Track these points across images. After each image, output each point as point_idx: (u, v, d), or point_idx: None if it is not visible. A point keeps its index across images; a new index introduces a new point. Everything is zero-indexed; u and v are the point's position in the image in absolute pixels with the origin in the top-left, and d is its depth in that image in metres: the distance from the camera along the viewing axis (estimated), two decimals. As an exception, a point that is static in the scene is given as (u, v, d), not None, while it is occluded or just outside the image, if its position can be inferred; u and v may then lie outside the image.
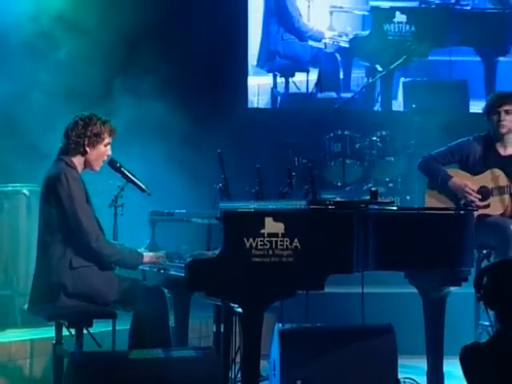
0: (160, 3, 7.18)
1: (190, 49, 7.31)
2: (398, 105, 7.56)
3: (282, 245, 4.01)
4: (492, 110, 5.48)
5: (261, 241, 3.99)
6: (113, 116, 4.64)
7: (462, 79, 7.59)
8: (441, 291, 4.68)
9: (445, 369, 4.75)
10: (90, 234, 4.32)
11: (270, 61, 7.65)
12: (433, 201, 5.53)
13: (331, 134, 7.41)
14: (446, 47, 7.49)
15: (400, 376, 4.65)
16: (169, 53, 7.20)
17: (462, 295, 4.94)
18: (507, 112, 5.46)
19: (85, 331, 4.37)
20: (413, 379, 5.02)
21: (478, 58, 7.58)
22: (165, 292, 4.49)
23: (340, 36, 7.51)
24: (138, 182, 4.77)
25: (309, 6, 7.49)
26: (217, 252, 4.02)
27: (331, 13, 7.54)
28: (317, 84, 7.30)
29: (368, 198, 4.45)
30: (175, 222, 4.77)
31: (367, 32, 7.58)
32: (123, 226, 5.10)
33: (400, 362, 4.63)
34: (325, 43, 7.58)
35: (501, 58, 7.56)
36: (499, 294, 3.09)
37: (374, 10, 7.46)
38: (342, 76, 7.60)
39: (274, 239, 4.00)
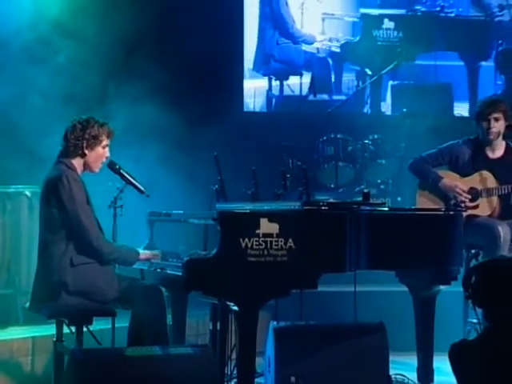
0: (157, 9, 7.17)
1: (186, 54, 7.30)
2: (386, 106, 7.70)
3: (277, 245, 4.01)
4: (482, 117, 5.49)
5: (256, 241, 3.99)
6: (111, 119, 4.63)
7: (447, 82, 7.75)
8: (431, 290, 4.70)
9: (435, 365, 4.76)
10: (91, 233, 4.34)
11: (265, 64, 7.76)
12: (424, 201, 5.54)
13: (324, 138, 7.44)
14: (431, 52, 7.66)
15: (391, 372, 4.65)
16: (166, 58, 7.20)
17: (451, 293, 4.95)
18: (496, 119, 5.48)
19: (85, 329, 4.37)
20: (404, 375, 5.02)
21: (461, 63, 7.76)
22: (163, 291, 4.48)
23: (332, 41, 7.66)
24: (137, 184, 4.78)
25: (302, 13, 7.66)
26: (213, 252, 4.03)
27: (323, 19, 7.70)
28: (310, 88, 7.37)
29: (360, 199, 4.46)
30: (173, 222, 4.77)
31: (357, 38, 7.74)
32: (122, 226, 5.10)
33: (391, 358, 4.63)
34: (317, 48, 7.73)
35: (483, 63, 7.73)
36: (487, 292, 3.10)
37: (364, 17, 7.65)
38: (333, 79, 7.76)
39: (268, 239, 4.01)
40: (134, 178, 4.77)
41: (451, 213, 4.64)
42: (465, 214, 5.10)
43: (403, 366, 5.11)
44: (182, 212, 4.67)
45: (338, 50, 7.68)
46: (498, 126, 5.47)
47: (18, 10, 6.47)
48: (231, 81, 7.79)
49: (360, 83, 7.64)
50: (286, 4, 7.72)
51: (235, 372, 4.48)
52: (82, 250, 4.36)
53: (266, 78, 7.80)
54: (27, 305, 4.55)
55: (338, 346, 4.57)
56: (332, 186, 7.40)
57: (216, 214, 4.11)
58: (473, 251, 5.52)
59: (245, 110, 7.94)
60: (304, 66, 7.71)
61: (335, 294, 5.88)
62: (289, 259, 4.02)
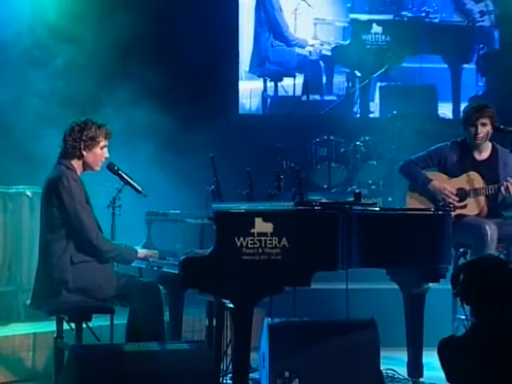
0: (153, 14, 7.16)
1: (182, 58, 7.30)
2: (375, 106, 7.86)
3: (271, 243, 4.01)
4: (469, 122, 5.49)
5: (251, 240, 3.99)
6: (107, 122, 4.62)
7: (432, 84, 7.94)
8: (420, 287, 4.70)
9: (424, 360, 4.76)
10: (91, 231, 4.34)
11: (260, 66, 7.89)
12: (413, 202, 5.54)
13: (317, 139, 7.47)
14: (417, 55, 7.83)
15: (382, 367, 4.65)
16: (162, 61, 7.20)
17: (440, 291, 4.95)
18: (483, 124, 5.48)
19: (84, 325, 4.37)
20: (394, 370, 5.02)
21: (445, 65, 7.93)
22: (160, 288, 4.48)
23: (323, 45, 7.84)
24: (135, 185, 4.77)
25: (295, 18, 7.82)
26: (209, 250, 4.02)
27: (315, 24, 7.88)
28: (303, 92, 7.44)
29: (352, 199, 4.46)
30: (170, 222, 4.76)
31: (347, 41, 7.90)
32: (121, 225, 5.10)
33: (382, 353, 4.62)
34: (309, 51, 7.88)
35: (465, 65, 7.93)
36: (474, 290, 3.10)
37: (354, 22, 7.84)
38: (324, 81, 7.91)
39: (263, 238, 4.00)
40: (132, 179, 4.77)
41: (440, 213, 4.64)
42: (453, 213, 5.10)
43: (394, 361, 5.11)
44: (178, 212, 4.67)
45: (329, 53, 7.86)
46: (485, 131, 5.48)
47: (16, 15, 6.46)
48: (226, 84, 7.82)
49: (350, 84, 7.82)
50: (280, 9, 7.87)
51: (231, 367, 4.47)
52: (82, 249, 4.36)
53: (262, 79, 7.95)
54: (28, 302, 4.55)
55: (330, 342, 4.57)
56: (324, 186, 7.41)
57: (212, 214, 4.11)
58: (461, 250, 5.52)
59: (241, 110, 8.01)
60: (297, 68, 7.88)
61: (328, 291, 5.87)
62: (283, 258, 4.02)
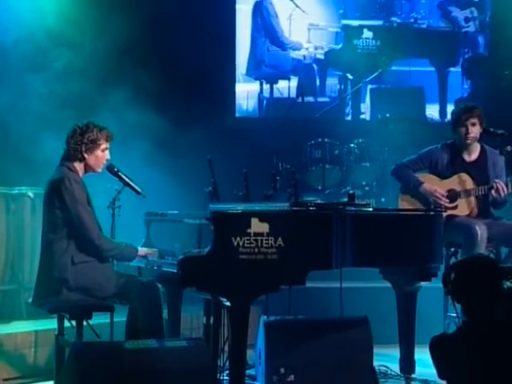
0: (151, 18, 7.16)
1: (180, 62, 7.31)
2: (365, 107, 8.01)
3: (267, 243, 4.01)
4: (459, 123, 5.50)
5: (247, 240, 3.98)
6: (107, 125, 4.61)
7: (420, 86, 8.09)
8: (412, 286, 4.70)
9: (416, 356, 4.76)
10: (92, 232, 4.34)
11: (257, 69, 8.02)
12: (406, 204, 5.54)
13: (312, 142, 7.48)
14: (405, 59, 8.01)
15: (375, 363, 4.65)
16: (160, 66, 7.21)
17: (431, 289, 4.95)
18: (473, 124, 5.49)
19: (85, 323, 4.37)
20: (387, 366, 5.03)
21: (432, 68, 8.10)
22: (159, 287, 4.48)
23: (316, 49, 8.02)
24: (134, 186, 4.77)
25: (290, 24, 8.00)
26: (207, 250, 4.02)
27: (309, 29, 8.05)
28: (298, 94, 7.52)
29: (346, 200, 4.46)
30: (168, 222, 4.75)
31: (340, 46, 8.06)
32: (120, 225, 5.09)
33: (375, 350, 4.63)
34: (304, 55, 8.03)
35: (451, 69, 8.10)
36: (465, 288, 3.10)
37: (346, 27, 8.01)
38: (318, 83, 8.07)
39: (259, 238, 4.00)
40: (131, 180, 4.77)
41: (431, 213, 4.64)
42: (444, 213, 5.11)
43: (386, 357, 5.11)
44: (177, 212, 4.66)
45: (322, 57, 8.03)
46: (475, 130, 5.49)
47: (16, 20, 6.46)
48: (223, 88, 7.86)
49: (342, 87, 8.01)
50: (276, 16, 8.01)
51: (228, 364, 4.47)
52: (83, 249, 4.36)
53: (258, 81, 8.09)
54: (30, 300, 4.54)
55: (325, 339, 4.57)
56: (319, 187, 7.42)
57: (209, 214, 4.10)
58: (452, 249, 5.52)
59: (238, 111, 8.09)
60: (292, 71, 8.04)
61: (322, 289, 5.87)
62: (278, 257, 4.01)
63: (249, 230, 3.98)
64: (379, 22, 7.99)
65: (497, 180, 5.43)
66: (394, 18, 8.06)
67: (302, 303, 5.30)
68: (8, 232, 5.74)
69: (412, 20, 8.05)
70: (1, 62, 6.44)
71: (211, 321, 4.75)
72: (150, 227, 4.86)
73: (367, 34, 7.92)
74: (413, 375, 4.79)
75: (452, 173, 5.55)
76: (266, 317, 4.77)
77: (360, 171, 7.45)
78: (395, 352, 4.86)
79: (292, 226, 4.09)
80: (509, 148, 5.38)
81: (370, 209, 4.46)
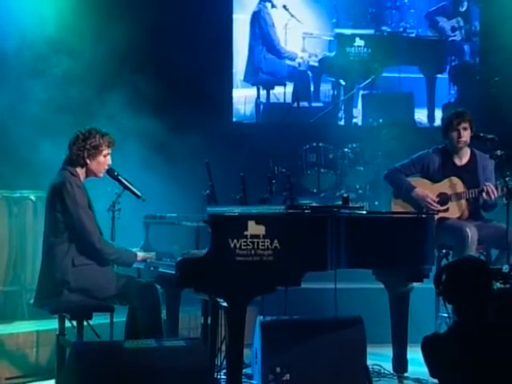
0: (150, 26, 7.15)
1: (178, 69, 7.30)
2: (357, 112, 8.16)
3: (263, 245, 4.01)
4: (451, 127, 5.51)
5: (244, 242, 3.98)
6: (106, 130, 4.61)
7: (409, 92, 8.23)
8: (405, 286, 4.70)
9: (408, 356, 4.77)
10: (93, 235, 4.33)
11: (254, 76, 8.15)
12: (398, 208, 5.55)
13: (307, 146, 7.50)
14: (395, 66, 8.19)
15: (368, 362, 4.65)
16: (159, 73, 7.20)
17: (423, 290, 4.95)
18: (465, 129, 5.50)
19: (85, 323, 4.36)
20: (380, 365, 5.02)
21: (421, 75, 8.27)
22: (157, 288, 4.47)
23: (311, 57, 8.17)
24: (134, 189, 4.76)
25: (286, 33, 8.15)
26: (204, 252, 4.01)
27: (304, 38, 8.20)
28: (293, 99, 7.61)
29: (340, 203, 4.46)
30: (167, 224, 4.75)
31: (333, 53, 8.20)
32: (120, 228, 5.09)
33: (368, 350, 4.63)
34: (299, 62, 8.18)
35: (439, 75, 8.27)
36: (456, 289, 3.10)
37: (339, 36, 8.17)
38: (312, 89, 8.21)
39: (255, 240, 4.00)
40: (131, 184, 4.76)
41: (423, 216, 4.65)
42: (436, 216, 5.11)
43: (380, 356, 5.11)
44: (175, 215, 4.66)
45: (316, 64, 8.16)
46: (467, 134, 5.50)
47: (16, 28, 6.46)
48: (221, 95, 7.89)
49: (335, 92, 8.19)
50: (273, 25, 8.16)
51: (225, 363, 4.46)
52: (84, 251, 4.35)
53: (255, 87, 8.22)
54: (32, 301, 4.54)
55: (319, 339, 4.57)
56: (314, 190, 7.42)
57: (207, 217, 4.10)
58: (443, 251, 5.53)
59: (236, 115, 8.17)
60: (287, 78, 8.18)
61: (317, 290, 5.86)
62: (274, 259, 4.01)
63: (245, 233, 3.98)
64: (370, 31, 8.17)
65: (487, 183, 5.44)
66: (384, 27, 8.24)
67: (297, 304, 5.29)
68: (10, 234, 5.72)
69: (401, 29, 8.24)
70: (2, 68, 6.44)
71: (209, 321, 4.74)
72: (149, 230, 4.85)
73: (359, 42, 8.09)
74: (405, 374, 4.80)
75: (443, 176, 5.56)
76: (262, 317, 4.77)
77: (354, 175, 7.46)
78: (388, 351, 4.86)
79: (288, 228, 4.09)
80: (498, 152, 5.38)
81: (364, 212, 4.45)
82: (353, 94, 7.88)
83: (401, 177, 5.59)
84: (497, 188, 5.40)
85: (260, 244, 4.00)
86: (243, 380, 4.33)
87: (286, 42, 8.13)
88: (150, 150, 6.51)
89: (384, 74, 7.96)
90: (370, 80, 7.71)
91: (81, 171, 4.46)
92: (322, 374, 4.50)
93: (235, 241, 3.97)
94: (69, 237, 4.34)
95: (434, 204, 5.48)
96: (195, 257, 4.07)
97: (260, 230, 4.00)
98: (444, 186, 5.55)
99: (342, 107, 8.12)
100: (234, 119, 8.14)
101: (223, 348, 4.51)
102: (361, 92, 8.02)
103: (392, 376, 4.86)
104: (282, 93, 8.14)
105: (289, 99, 7.99)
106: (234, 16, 8.07)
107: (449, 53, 8.28)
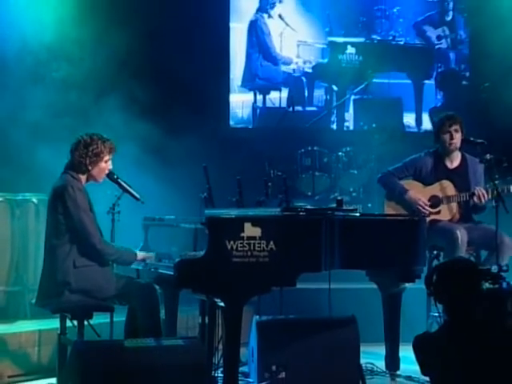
0: (148, 33, 7.15)
1: (176, 76, 7.30)
2: (349, 116, 8.28)
3: (259, 247, 4.01)
4: (443, 130, 5.52)
5: (240, 243, 3.99)
6: (104, 135, 4.61)
7: (398, 97, 8.36)
8: (397, 287, 4.71)
9: (401, 354, 4.77)
10: (94, 237, 4.33)
11: (251, 81, 8.27)
12: (391, 210, 5.55)
13: (303, 150, 7.52)
14: (384, 72, 8.32)
15: (362, 361, 4.65)
16: (157, 79, 7.21)
17: (415, 290, 4.95)
18: (456, 131, 5.52)
19: (86, 323, 4.36)
20: (373, 364, 5.02)
21: (409, 81, 8.41)
22: (156, 288, 4.47)
23: (305, 63, 8.30)
24: (133, 192, 4.76)
25: (281, 41, 8.29)
26: (202, 253, 4.02)
27: (298, 45, 8.34)
28: (288, 104, 7.68)
29: (334, 205, 4.47)
30: (165, 226, 4.75)
31: (326, 60, 8.32)
32: (120, 230, 5.09)
33: (362, 348, 4.63)
34: (293, 69, 8.31)
35: (426, 81, 8.40)
36: (446, 290, 3.11)
37: (331, 43, 8.30)
38: (306, 94, 8.34)
39: (252, 242, 4.00)
40: (130, 187, 4.76)
41: (415, 218, 4.66)
42: (428, 218, 5.12)
43: (372, 355, 5.11)
44: (173, 217, 4.66)
45: (310, 70, 8.29)
46: (458, 137, 5.51)
47: (17, 34, 6.46)
48: (218, 100, 7.93)
49: (328, 97, 8.32)
50: (269, 33, 8.28)
51: (222, 361, 4.46)
52: (85, 253, 4.35)
53: (252, 92, 8.32)
54: (34, 301, 4.53)
55: (314, 338, 4.57)
56: (309, 193, 7.43)
57: (204, 219, 4.11)
58: (435, 252, 5.54)
59: (234, 119, 8.23)
60: (282, 83, 8.30)
61: (312, 290, 5.87)
62: (270, 260, 4.02)
63: (242, 234, 3.98)
64: (361, 39, 8.30)
65: (478, 187, 5.45)
66: (374, 36, 8.37)
67: (292, 303, 5.29)
68: (13, 236, 5.72)
69: (391, 37, 8.37)
70: (2, 74, 6.43)
71: (206, 320, 4.75)
72: (148, 231, 4.86)
73: (351, 49, 8.22)
74: (397, 372, 4.80)
75: (435, 179, 5.57)
76: (258, 316, 4.77)
77: (348, 178, 7.47)
78: (381, 350, 4.87)
79: (283, 230, 4.09)
80: (488, 156, 5.40)
81: (357, 214, 4.46)
82: (340, 96, 8.04)
83: (394, 180, 5.60)
84: (487, 191, 5.41)
85: (256, 245, 4.00)
86: (240, 378, 4.34)
87: (281, 49, 8.25)
88: (148, 153, 6.52)
89: (374, 80, 8.08)
90: (363, 86, 7.78)
91: (82, 175, 4.47)
92: (317, 371, 4.50)
93: (232, 242, 3.97)
94: (70, 239, 4.34)
95: (426, 207, 5.49)
96: (193, 258, 4.07)
97: (256, 231, 4.01)
98: (436, 189, 5.56)
99: (335, 111, 8.25)
100: (231, 123, 8.19)
101: (220, 347, 4.51)
102: (352, 97, 8.13)
103: (384, 374, 4.87)
104: (278, 98, 8.25)
105: (284, 104, 8.08)
106: (232, 25, 8.18)
107: (435, 60, 8.42)
